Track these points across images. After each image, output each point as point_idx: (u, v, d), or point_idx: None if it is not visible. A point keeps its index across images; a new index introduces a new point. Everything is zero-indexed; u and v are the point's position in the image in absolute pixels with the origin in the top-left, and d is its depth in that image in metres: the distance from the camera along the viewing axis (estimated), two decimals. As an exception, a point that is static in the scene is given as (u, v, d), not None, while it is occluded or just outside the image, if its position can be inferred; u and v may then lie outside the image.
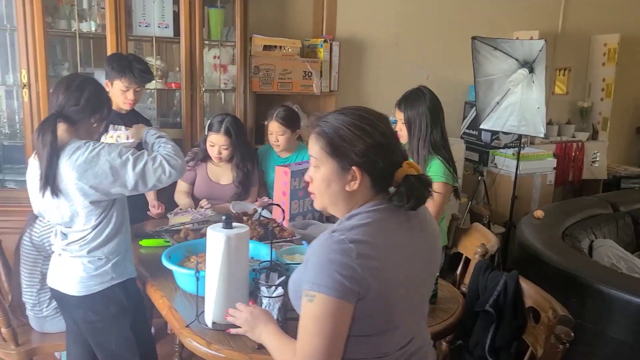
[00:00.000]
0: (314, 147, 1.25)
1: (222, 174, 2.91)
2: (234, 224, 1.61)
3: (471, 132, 4.56)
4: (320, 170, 1.24)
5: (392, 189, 1.25)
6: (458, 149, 4.18)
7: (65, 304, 1.89)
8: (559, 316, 1.47)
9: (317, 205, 1.30)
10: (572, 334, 1.38)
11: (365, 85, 4.28)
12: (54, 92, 1.82)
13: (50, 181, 1.71)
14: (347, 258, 1.11)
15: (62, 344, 2.14)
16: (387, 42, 4.28)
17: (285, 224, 2.49)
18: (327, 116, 1.26)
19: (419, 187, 1.19)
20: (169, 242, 2.30)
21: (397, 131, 2.38)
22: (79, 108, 1.78)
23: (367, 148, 1.19)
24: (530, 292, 1.67)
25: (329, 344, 1.12)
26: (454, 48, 4.48)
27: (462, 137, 4.59)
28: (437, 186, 2.25)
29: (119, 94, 2.62)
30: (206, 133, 2.84)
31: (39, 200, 1.81)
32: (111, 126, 2.18)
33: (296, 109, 3.81)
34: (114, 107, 2.61)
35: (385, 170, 1.21)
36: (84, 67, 2.98)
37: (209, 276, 1.59)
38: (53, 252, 2.12)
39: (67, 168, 1.71)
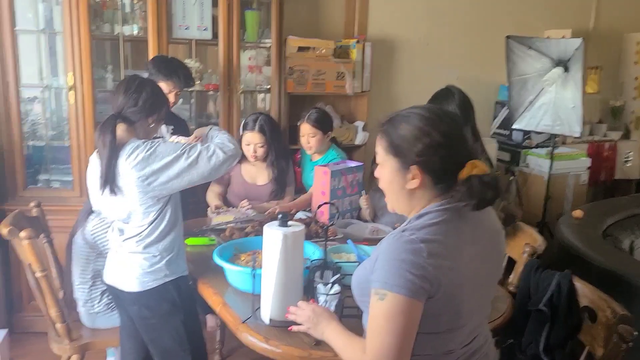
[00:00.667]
0: (378, 146, 1.29)
1: (258, 175, 2.93)
2: (290, 222, 1.64)
3: (502, 131, 4.53)
4: (383, 169, 1.28)
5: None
6: (490, 148, 4.14)
7: (121, 300, 1.94)
8: (619, 315, 1.47)
9: (388, 205, 1.32)
10: (635, 333, 1.38)
11: (397, 85, 4.29)
12: (114, 93, 1.88)
13: (109, 180, 1.77)
14: (418, 257, 1.12)
15: (113, 339, 2.19)
16: (418, 42, 4.29)
17: (325, 220, 2.52)
18: (393, 115, 1.28)
19: (481, 189, 1.19)
20: (213, 240, 2.34)
21: None
22: (137, 109, 1.84)
23: (425, 147, 1.20)
24: (585, 291, 1.67)
25: (400, 342, 1.13)
26: (484, 47, 4.46)
27: (492, 137, 4.57)
28: None
29: None
30: (241, 133, 2.87)
31: (98, 197, 1.87)
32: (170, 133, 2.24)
33: (328, 110, 3.84)
34: None
35: (446, 170, 1.22)
36: (125, 69, 3.04)
37: (266, 273, 1.62)
38: (105, 249, 2.18)
39: (127, 166, 1.76)
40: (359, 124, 3.90)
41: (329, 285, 1.59)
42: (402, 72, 4.29)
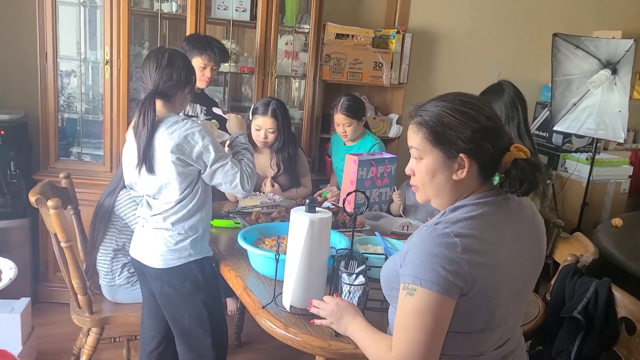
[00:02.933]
0: (415, 138, 1.19)
1: (267, 166, 2.80)
2: (317, 208, 1.59)
3: (541, 133, 4.39)
4: (423, 162, 1.19)
5: (496, 179, 1.19)
6: (527, 150, 4.04)
7: (145, 274, 1.92)
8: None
9: (420, 198, 1.25)
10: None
11: (435, 79, 4.18)
12: (144, 70, 1.83)
13: (147, 159, 1.76)
14: (452, 252, 1.06)
15: (133, 315, 2.19)
16: (460, 36, 4.17)
17: (350, 210, 2.46)
18: (425, 105, 1.20)
19: (531, 171, 1.13)
20: (239, 223, 2.31)
21: None
22: (172, 83, 1.81)
23: (474, 133, 1.13)
24: (625, 301, 1.57)
25: (429, 340, 1.07)
26: (529, 45, 4.32)
27: (531, 138, 4.43)
28: None
29: (197, 71, 2.63)
30: (250, 118, 2.75)
31: (131, 173, 1.85)
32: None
33: (363, 100, 3.77)
34: None
35: (494, 156, 1.15)
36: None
37: (290, 259, 1.57)
38: (130, 223, 2.17)
39: (164, 138, 1.74)
40: (394, 116, 3.82)
41: (354, 275, 1.53)
42: (442, 66, 4.18)
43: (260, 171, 2.80)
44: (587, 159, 3.98)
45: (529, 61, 4.34)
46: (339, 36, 3.50)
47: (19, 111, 3.04)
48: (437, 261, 1.05)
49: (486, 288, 1.09)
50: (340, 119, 2.85)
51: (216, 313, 1.94)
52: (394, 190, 2.63)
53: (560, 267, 1.84)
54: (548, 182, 4.09)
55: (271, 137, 2.72)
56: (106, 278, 2.24)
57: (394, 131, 3.78)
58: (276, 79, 3.27)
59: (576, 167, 4.07)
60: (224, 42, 3.12)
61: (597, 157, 3.89)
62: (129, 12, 2.82)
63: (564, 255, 2.17)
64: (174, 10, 3.02)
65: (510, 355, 1.22)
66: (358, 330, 1.29)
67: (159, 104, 1.80)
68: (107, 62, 2.86)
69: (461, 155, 1.13)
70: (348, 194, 1.88)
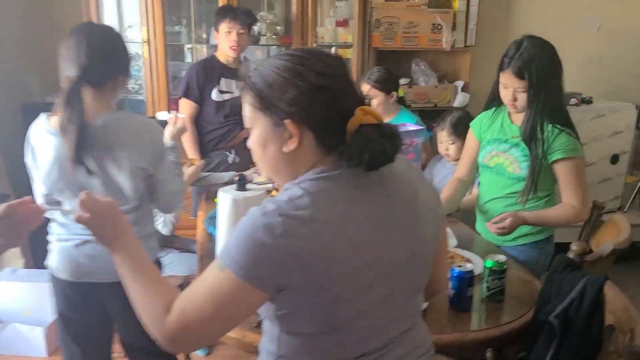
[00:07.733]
0: (244, 104, 0.99)
1: None
2: (249, 186, 1.48)
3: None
4: (254, 133, 0.98)
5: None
6: (628, 115, 3.43)
7: None
8: (631, 346, 1.04)
9: (262, 176, 1.06)
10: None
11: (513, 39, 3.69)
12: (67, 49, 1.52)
13: None
14: (268, 237, 0.87)
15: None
16: (546, -13, 3.63)
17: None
18: (260, 63, 0.99)
19: (377, 139, 0.90)
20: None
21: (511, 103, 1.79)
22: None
23: (299, 94, 0.91)
24: (616, 305, 1.22)
25: (215, 318, 0.91)
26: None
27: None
28: (579, 162, 1.76)
29: (224, 38, 2.59)
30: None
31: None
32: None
33: (423, 68, 3.46)
34: (222, 59, 2.62)
35: (331, 122, 0.93)
36: (199, 24, 3.04)
37: (220, 236, 1.55)
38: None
39: None
40: (459, 83, 3.46)
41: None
42: (521, 24, 3.67)
43: None
44: None
45: (635, 8, 3.65)
46: (389, -2, 3.23)
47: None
48: (250, 244, 0.88)
49: (316, 280, 0.88)
50: (365, 90, 2.58)
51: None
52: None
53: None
54: None
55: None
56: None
57: (459, 100, 3.43)
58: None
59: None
60: (262, 14, 3.04)
61: None
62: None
63: (598, 242, 1.79)
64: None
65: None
66: (129, 264, 1.01)
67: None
68: (145, 41, 2.91)
69: (286, 121, 0.93)
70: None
